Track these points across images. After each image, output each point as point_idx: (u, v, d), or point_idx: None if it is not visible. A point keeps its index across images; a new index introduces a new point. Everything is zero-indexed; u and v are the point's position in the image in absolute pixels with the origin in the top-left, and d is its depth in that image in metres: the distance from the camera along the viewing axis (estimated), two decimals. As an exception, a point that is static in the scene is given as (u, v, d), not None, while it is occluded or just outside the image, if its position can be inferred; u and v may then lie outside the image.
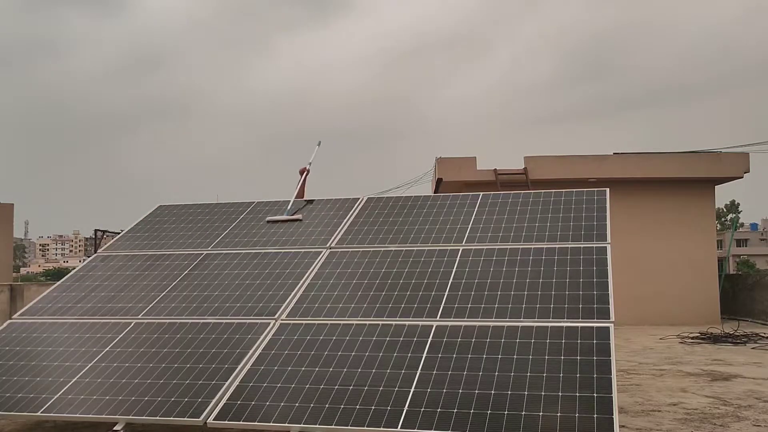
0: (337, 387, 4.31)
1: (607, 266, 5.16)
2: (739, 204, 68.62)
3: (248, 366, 4.63)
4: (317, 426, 4.02)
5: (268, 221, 6.70)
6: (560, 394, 3.99)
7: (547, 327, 4.60)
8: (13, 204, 18.29)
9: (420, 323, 4.84)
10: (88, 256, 8.09)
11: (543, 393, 4.01)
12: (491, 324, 4.72)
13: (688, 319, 14.34)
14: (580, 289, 4.94)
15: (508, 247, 5.64)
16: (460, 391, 4.12)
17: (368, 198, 6.99)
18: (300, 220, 6.62)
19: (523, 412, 3.88)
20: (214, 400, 4.32)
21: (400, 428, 3.89)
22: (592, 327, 4.54)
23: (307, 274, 5.66)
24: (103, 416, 4.35)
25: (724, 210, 66.30)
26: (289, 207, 6.88)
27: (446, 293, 5.13)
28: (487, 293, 5.06)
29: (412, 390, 4.18)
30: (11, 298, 12.91)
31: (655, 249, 14.80)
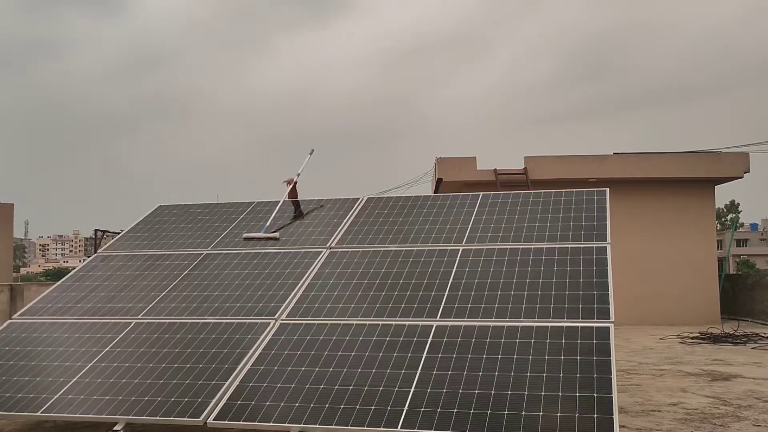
0: (337, 387, 4.31)
1: (607, 266, 5.16)
2: (739, 204, 68.64)
3: (248, 366, 4.63)
4: (317, 426, 4.02)
5: (245, 238, 6.43)
6: (560, 394, 3.99)
7: (547, 327, 4.60)
8: (13, 204, 18.30)
9: (420, 323, 4.84)
10: (88, 256, 8.09)
11: (543, 393, 4.01)
12: (491, 324, 4.72)
13: (688, 319, 14.34)
14: (580, 289, 4.94)
15: (508, 247, 5.64)
16: (460, 391, 4.12)
17: (368, 198, 6.99)
18: (277, 238, 6.36)
19: (523, 412, 3.88)
20: (214, 400, 4.32)
21: (400, 428, 3.89)
22: (592, 327, 4.54)
23: (307, 274, 5.66)
24: (103, 416, 4.35)
25: (724, 210, 66.30)
26: (271, 218, 6.67)
27: (446, 293, 5.13)
28: (487, 293, 5.07)
29: (412, 390, 4.18)
30: (11, 298, 12.91)
31: (655, 249, 14.80)
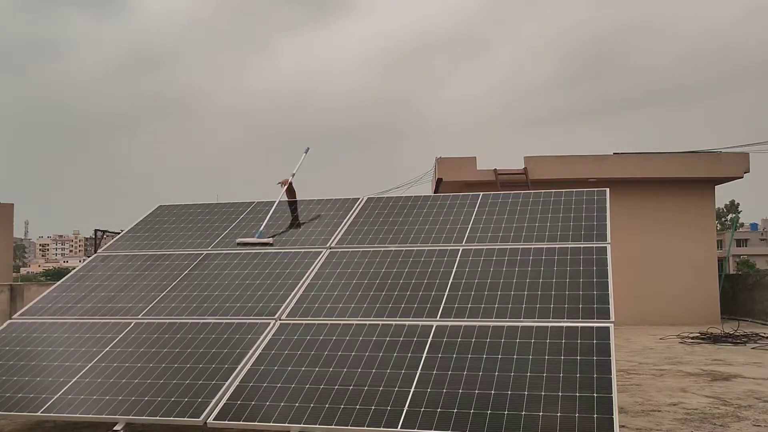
0: (337, 387, 4.31)
1: (607, 266, 5.16)
2: (738, 204, 68.63)
3: (248, 366, 4.63)
4: (317, 426, 4.02)
5: (239, 243, 6.39)
6: (560, 394, 3.99)
7: (547, 327, 4.60)
8: (13, 204, 18.30)
9: (420, 323, 4.84)
10: (88, 256, 8.09)
11: (543, 393, 4.01)
12: (491, 324, 4.72)
13: (688, 319, 14.34)
14: (580, 289, 4.94)
15: (508, 247, 5.64)
16: (460, 391, 4.12)
17: (368, 198, 6.98)
18: (271, 244, 6.32)
19: (523, 412, 3.88)
20: (214, 400, 4.32)
21: (400, 428, 3.89)
22: (592, 327, 4.54)
23: (307, 274, 5.66)
24: (103, 416, 4.35)
25: (724, 210, 66.29)
26: (264, 224, 6.62)
27: (446, 293, 5.13)
28: (487, 293, 5.07)
29: (412, 390, 4.18)
30: (11, 298, 12.91)
31: (655, 249, 14.80)
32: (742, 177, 14.92)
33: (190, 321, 5.27)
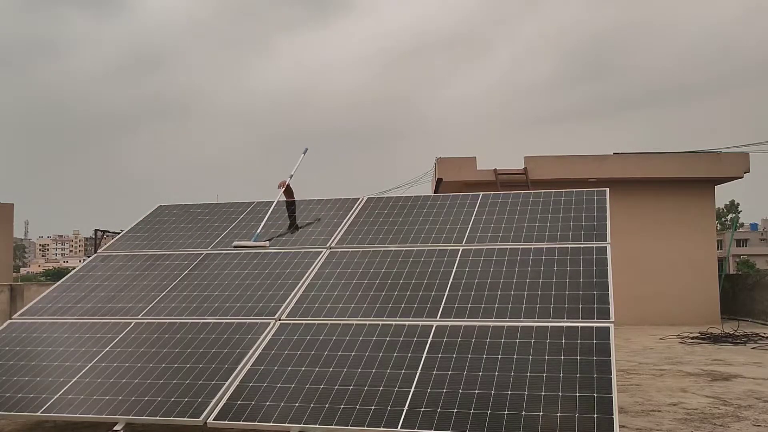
0: (337, 387, 4.31)
1: (607, 266, 5.16)
2: (738, 204, 68.60)
3: (248, 366, 4.63)
4: (317, 426, 4.02)
5: (235, 246, 6.35)
6: (560, 394, 3.99)
7: (547, 327, 4.60)
8: (13, 204, 18.30)
9: (420, 323, 4.84)
10: (88, 256, 8.08)
11: (543, 393, 4.01)
12: (491, 324, 4.72)
13: (688, 319, 14.34)
14: (580, 289, 4.94)
15: (508, 247, 5.64)
16: (460, 391, 4.12)
17: (368, 198, 6.98)
18: (266, 247, 6.27)
19: (523, 412, 3.88)
20: (214, 400, 4.32)
21: (400, 428, 3.89)
22: (592, 327, 4.53)
23: (307, 274, 5.66)
24: (103, 416, 4.35)
25: (724, 210, 66.27)
26: (262, 225, 6.61)
27: (446, 293, 5.13)
28: (487, 293, 5.06)
29: (412, 390, 4.18)
30: (11, 298, 12.91)
31: (655, 249, 14.80)
32: (742, 177, 14.92)
33: (190, 321, 5.27)
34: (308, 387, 4.34)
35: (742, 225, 75.88)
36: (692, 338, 11.44)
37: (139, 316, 5.44)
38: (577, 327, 4.55)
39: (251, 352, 4.77)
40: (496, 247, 5.66)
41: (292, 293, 5.42)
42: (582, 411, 3.84)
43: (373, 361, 4.50)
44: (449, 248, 5.74)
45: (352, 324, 4.94)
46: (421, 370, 4.35)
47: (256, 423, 4.12)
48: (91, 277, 6.19)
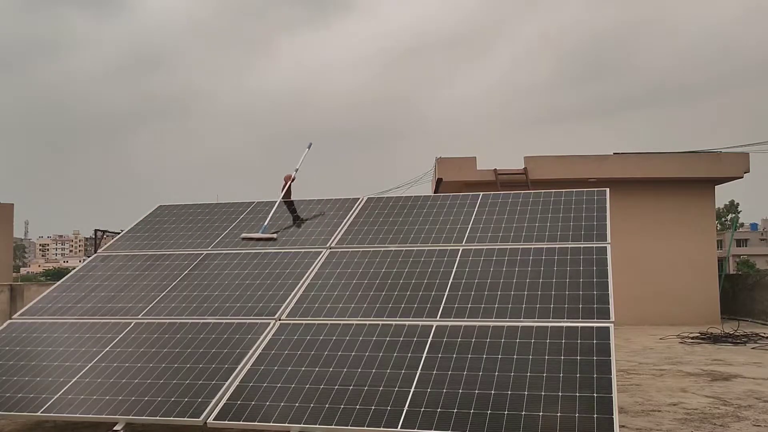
0: (337, 387, 4.30)
1: (607, 266, 5.16)
2: (738, 204, 68.58)
3: (248, 366, 4.63)
4: (317, 426, 4.02)
5: (243, 238, 6.44)
6: (560, 394, 3.99)
7: (547, 327, 4.60)
8: (13, 204, 18.30)
9: (420, 323, 4.84)
10: (88, 256, 8.08)
11: (543, 393, 4.01)
12: (491, 324, 4.72)
13: (688, 319, 14.34)
14: (580, 289, 4.94)
15: (508, 247, 5.64)
16: (460, 391, 4.12)
17: (368, 198, 6.98)
18: (275, 239, 6.37)
19: (523, 412, 3.88)
20: (214, 400, 4.32)
21: (400, 428, 3.89)
22: (592, 327, 4.53)
23: (307, 274, 5.66)
24: (103, 416, 4.35)
25: (724, 210, 66.27)
26: (269, 217, 6.69)
27: (446, 293, 5.13)
28: (487, 293, 5.06)
29: (412, 390, 4.18)
30: (11, 298, 12.91)
31: (655, 249, 14.80)
32: (742, 177, 14.92)
33: (190, 321, 5.27)
34: (308, 387, 4.34)
35: (742, 225, 75.88)
36: (692, 338, 11.44)
37: (139, 316, 5.44)
38: (577, 327, 4.55)
39: (251, 352, 4.77)
40: (496, 247, 5.66)
41: (292, 293, 5.42)
42: (582, 411, 3.83)
43: (373, 361, 4.50)
44: (449, 248, 5.74)
45: (352, 324, 4.94)
46: (421, 370, 4.35)
47: (256, 423, 4.12)
48: (91, 277, 6.19)
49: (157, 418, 4.28)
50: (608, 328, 4.50)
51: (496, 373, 4.23)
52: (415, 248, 5.82)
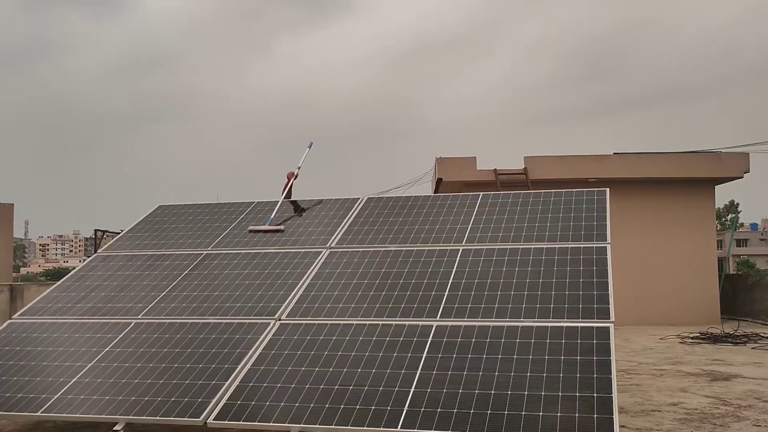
0: (337, 387, 4.31)
1: (607, 266, 5.16)
2: (738, 204, 68.54)
3: (248, 366, 4.63)
4: (317, 426, 4.02)
5: (250, 231, 6.55)
6: (560, 394, 3.99)
7: (547, 327, 4.60)
8: (13, 204, 18.30)
9: (420, 323, 4.84)
10: (88, 256, 8.08)
11: (543, 393, 4.01)
12: (491, 324, 4.72)
13: (688, 319, 14.34)
14: (580, 289, 4.94)
15: (508, 247, 5.64)
16: (460, 391, 4.12)
17: (368, 198, 6.99)
18: (282, 230, 6.47)
19: (523, 412, 3.88)
20: (214, 400, 4.32)
21: (400, 428, 3.89)
22: (592, 327, 4.53)
23: (307, 274, 5.66)
24: (103, 416, 4.35)
25: (724, 210, 66.27)
26: (273, 215, 6.76)
27: (446, 293, 5.13)
28: (487, 293, 5.06)
29: (412, 390, 4.18)
30: (11, 298, 12.91)
31: (655, 249, 14.80)
32: (742, 177, 14.92)
33: (190, 321, 5.27)
34: (308, 387, 4.34)
35: (742, 225, 75.87)
36: (692, 338, 11.44)
37: (139, 316, 5.44)
38: (577, 327, 4.55)
39: (251, 352, 4.77)
40: (496, 247, 5.66)
41: (292, 293, 5.42)
42: (582, 411, 3.84)
43: (373, 361, 4.50)
44: (449, 248, 5.74)
45: (352, 324, 4.94)
46: (421, 370, 4.35)
47: (256, 423, 4.12)
48: (91, 277, 6.19)
49: (157, 418, 4.28)
50: (608, 328, 4.50)
51: (496, 373, 4.23)
52: (415, 248, 5.82)
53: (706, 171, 14.76)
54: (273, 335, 4.94)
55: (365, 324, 4.92)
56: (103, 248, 6.88)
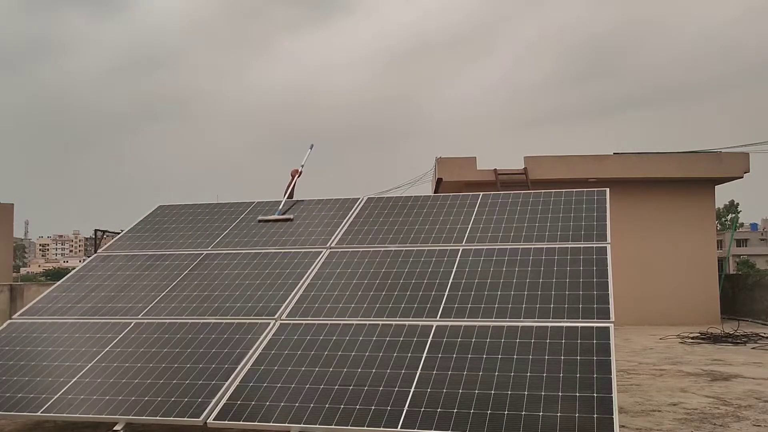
0: (337, 387, 4.31)
1: (607, 266, 5.16)
2: (738, 204, 68.56)
3: (248, 366, 4.63)
4: (317, 426, 4.02)
5: (260, 221, 6.74)
6: (560, 394, 3.99)
7: (547, 327, 4.60)
8: (13, 204, 18.29)
9: (420, 323, 4.84)
10: (88, 256, 8.09)
11: (543, 393, 4.01)
12: (491, 324, 4.72)
13: (688, 319, 14.34)
14: (580, 289, 4.94)
15: (508, 247, 5.64)
16: (460, 391, 4.12)
17: (368, 198, 6.99)
18: (291, 219, 6.65)
19: (523, 412, 3.88)
20: (214, 400, 4.32)
21: (400, 428, 3.89)
22: (592, 327, 4.54)
23: (307, 274, 5.66)
24: (103, 416, 4.35)
25: (724, 210, 66.28)
26: (280, 207, 6.90)
27: (446, 293, 5.13)
28: (487, 293, 5.07)
29: (412, 390, 4.18)
30: (11, 298, 12.91)
31: (655, 249, 14.80)
32: (742, 177, 14.91)
33: (190, 321, 5.28)
34: (308, 387, 4.34)
35: (742, 225, 75.88)
36: (692, 338, 11.44)
37: (139, 316, 5.44)
38: (577, 327, 4.55)
39: (251, 352, 4.77)
40: (496, 247, 5.67)
41: (292, 293, 5.43)
42: (582, 411, 3.84)
43: (373, 361, 4.50)
44: (449, 248, 5.74)
45: (352, 324, 4.94)
46: (421, 370, 4.36)
47: (256, 423, 4.12)
48: (91, 277, 6.19)
49: (157, 418, 4.28)
50: (608, 328, 4.51)
51: (496, 373, 4.23)
52: (415, 248, 5.82)
53: (706, 171, 14.75)
54: (273, 335, 4.94)
55: (365, 324, 4.92)
56: (103, 248, 6.88)
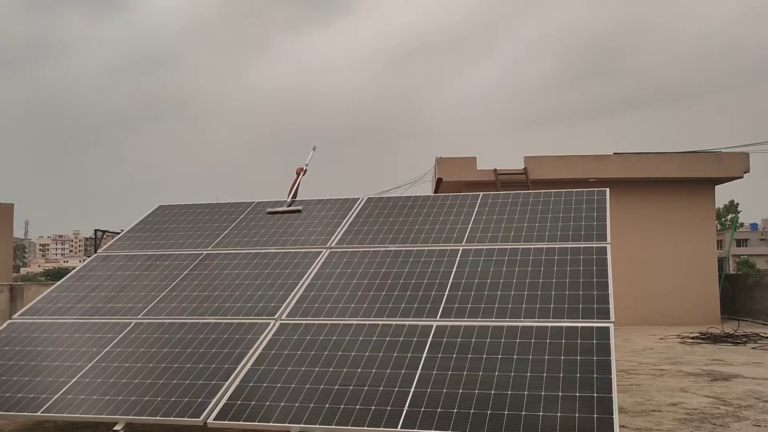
0: (337, 387, 4.31)
1: (607, 266, 5.16)
2: (738, 204, 68.54)
3: (248, 366, 4.63)
4: (317, 426, 4.02)
5: (269, 212, 6.86)
6: (560, 394, 3.99)
7: (547, 327, 4.60)
8: (13, 204, 18.29)
9: (420, 323, 4.84)
10: (88, 256, 8.09)
11: (543, 393, 4.01)
12: (491, 324, 4.72)
13: (688, 319, 14.34)
14: (580, 289, 4.94)
15: (508, 247, 5.64)
16: (460, 391, 4.12)
17: (368, 198, 6.99)
18: (300, 210, 6.78)
19: (523, 412, 3.88)
20: (214, 400, 4.32)
21: (400, 428, 3.89)
22: (592, 327, 4.54)
23: (307, 274, 5.66)
24: (103, 416, 4.35)
25: (724, 210, 66.27)
26: (290, 197, 7.00)
27: (446, 293, 5.13)
28: (487, 293, 5.07)
29: (412, 390, 4.18)
30: (11, 298, 12.91)
31: (655, 249, 14.80)
32: (742, 177, 14.91)
33: (190, 321, 5.28)
34: (308, 387, 4.34)
35: (742, 225, 75.88)
36: (692, 338, 11.43)
37: (139, 316, 5.44)
38: (577, 327, 4.55)
39: (251, 352, 4.77)
40: (496, 247, 5.67)
41: (292, 293, 5.43)
42: (582, 411, 3.84)
43: (373, 361, 4.50)
44: (449, 248, 5.74)
45: (352, 324, 4.94)
46: (421, 370, 4.35)
47: (256, 423, 4.12)
48: (91, 277, 6.19)
49: (157, 418, 4.28)
50: (608, 328, 4.51)
51: (496, 373, 4.23)
52: (415, 248, 5.82)
53: (706, 171, 14.75)
54: (273, 335, 4.94)
55: (365, 324, 4.92)
56: (103, 248, 6.88)
